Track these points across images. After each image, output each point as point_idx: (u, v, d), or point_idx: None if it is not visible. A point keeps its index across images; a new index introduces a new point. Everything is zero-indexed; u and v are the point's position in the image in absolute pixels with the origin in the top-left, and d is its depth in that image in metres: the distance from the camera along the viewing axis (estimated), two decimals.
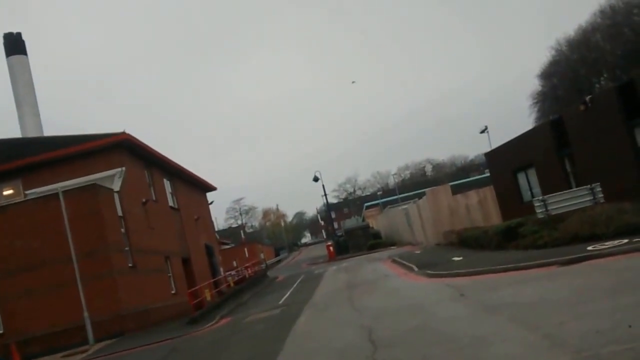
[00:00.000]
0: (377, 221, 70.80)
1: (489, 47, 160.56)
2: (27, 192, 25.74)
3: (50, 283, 22.41)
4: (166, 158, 32.18)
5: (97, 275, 22.39)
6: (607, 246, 15.07)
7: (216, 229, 68.07)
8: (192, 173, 38.11)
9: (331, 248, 54.43)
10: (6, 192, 26.75)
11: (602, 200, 19.79)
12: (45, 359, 21.32)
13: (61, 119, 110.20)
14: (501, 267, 16.68)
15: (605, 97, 21.81)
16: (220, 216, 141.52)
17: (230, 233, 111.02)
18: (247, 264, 48.11)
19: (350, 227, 60.88)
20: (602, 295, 10.03)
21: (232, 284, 37.36)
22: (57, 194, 22.64)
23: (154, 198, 29.96)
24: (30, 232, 22.79)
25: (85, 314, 21.70)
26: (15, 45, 42.14)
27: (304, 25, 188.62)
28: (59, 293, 22.35)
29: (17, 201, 24.74)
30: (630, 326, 7.48)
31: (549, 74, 69.11)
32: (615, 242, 15.29)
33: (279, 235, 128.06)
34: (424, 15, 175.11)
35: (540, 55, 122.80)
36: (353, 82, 59.48)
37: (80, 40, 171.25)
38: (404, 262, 26.60)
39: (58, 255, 22.46)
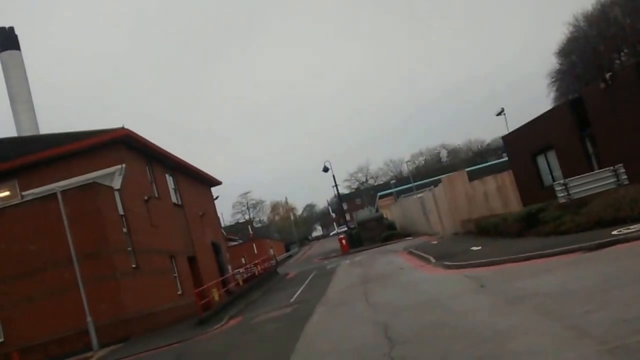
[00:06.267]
0: (391, 211, 69.46)
1: (503, 27, 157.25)
2: (23, 193, 24.86)
3: (50, 288, 21.52)
4: (168, 152, 31.13)
5: (99, 277, 21.50)
6: (632, 230, 14.50)
7: (223, 225, 67.23)
8: (195, 167, 37.03)
9: (344, 241, 53.23)
10: (2, 194, 25.80)
11: (625, 182, 19.11)
12: None
13: (57, 118, 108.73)
14: (522, 255, 16.21)
15: (626, 74, 21.11)
16: (226, 212, 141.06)
17: (238, 229, 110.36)
18: (256, 261, 47.33)
19: (363, 218, 59.49)
20: (629, 281, 9.74)
21: (240, 282, 36.56)
22: (55, 195, 21.75)
23: (156, 195, 28.96)
24: (28, 235, 21.87)
25: (89, 319, 20.89)
26: (8, 40, 41.40)
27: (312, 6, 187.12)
28: (60, 298, 21.47)
29: (13, 203, 23.78)
30: None
31: (567, 52, 65.99)
32: None
33: (288, 230, 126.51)
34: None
35: (558, 33, 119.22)
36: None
37: (76, 37, 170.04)
38: (421, 253, 25.99)
39: (58, 259, 21.60)
